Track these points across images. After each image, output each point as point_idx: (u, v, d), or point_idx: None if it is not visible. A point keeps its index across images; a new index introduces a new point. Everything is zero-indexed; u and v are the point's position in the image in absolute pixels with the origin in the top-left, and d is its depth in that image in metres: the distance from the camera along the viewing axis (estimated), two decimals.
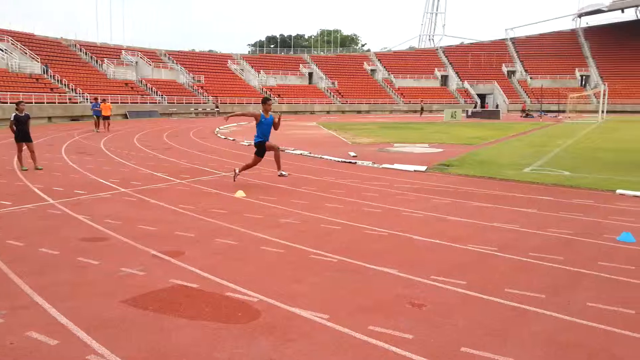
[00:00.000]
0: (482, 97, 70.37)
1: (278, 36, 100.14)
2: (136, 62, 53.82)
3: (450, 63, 76.54)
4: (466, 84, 71.56)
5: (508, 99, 66.76)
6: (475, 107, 61.08)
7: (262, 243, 5.73)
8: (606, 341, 3.47)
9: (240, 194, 8.57)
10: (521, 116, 50.50)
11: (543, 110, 56.41)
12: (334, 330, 3.58)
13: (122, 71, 50.36)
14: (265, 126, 9.34)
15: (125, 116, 42.26)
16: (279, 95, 60.07)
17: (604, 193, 8.96)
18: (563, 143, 19.06)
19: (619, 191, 8.92)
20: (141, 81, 50.78)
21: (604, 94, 45.12)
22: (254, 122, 9.45)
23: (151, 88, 49.86)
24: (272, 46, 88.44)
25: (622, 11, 78.32)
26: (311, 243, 5.73)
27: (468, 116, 46.42)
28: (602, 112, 44.13)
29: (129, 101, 44.81)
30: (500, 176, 10.61)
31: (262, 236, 6.00)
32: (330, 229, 6.38)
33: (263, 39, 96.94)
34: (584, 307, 4.03)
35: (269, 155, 9.79)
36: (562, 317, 3.84)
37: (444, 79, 73.99)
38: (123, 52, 54.70)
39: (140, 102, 45.94)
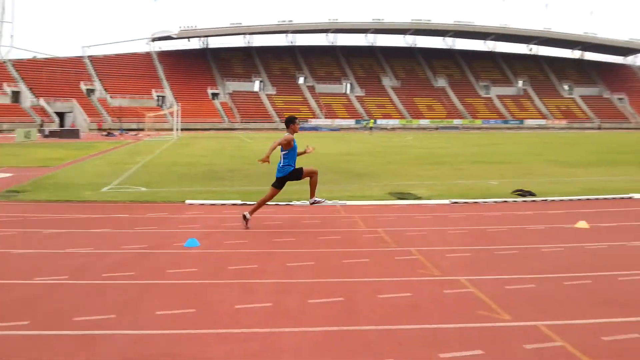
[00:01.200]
0: (61, 115, 66.45)
1: None
2: None
3: (22, 78, 69.14)
4: (42, 102, 66.09)
5: (89, 117, 65.32)
6: (41, 126, 56.75)
7: None
8: (172, 344, 3.70)
9: None
10: (103, 135, 50.26)
11: (124, 129, 57.85)
12: None
13: None
14: (294, 151, 7.79)
15: None
16: None
17: (176, 204, 9.75)
18: (142, 160, 19.88)
19: (187, 201, 9.88)
20: None
21: (178, 113, 49.66)
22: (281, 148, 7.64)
23: None
24: None
25: (189, 40, 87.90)
26: None
27: (45, 136, 43.23)
28: (177, 129, 48.38)
29: None
30: (77, 198, 10.15)
31: None
32: None
33: None
34: (153, 317, 4.22)
35: None
36: (132, 333, 3.90)
37: (16, 95, 66.33)
38: None
39: None
